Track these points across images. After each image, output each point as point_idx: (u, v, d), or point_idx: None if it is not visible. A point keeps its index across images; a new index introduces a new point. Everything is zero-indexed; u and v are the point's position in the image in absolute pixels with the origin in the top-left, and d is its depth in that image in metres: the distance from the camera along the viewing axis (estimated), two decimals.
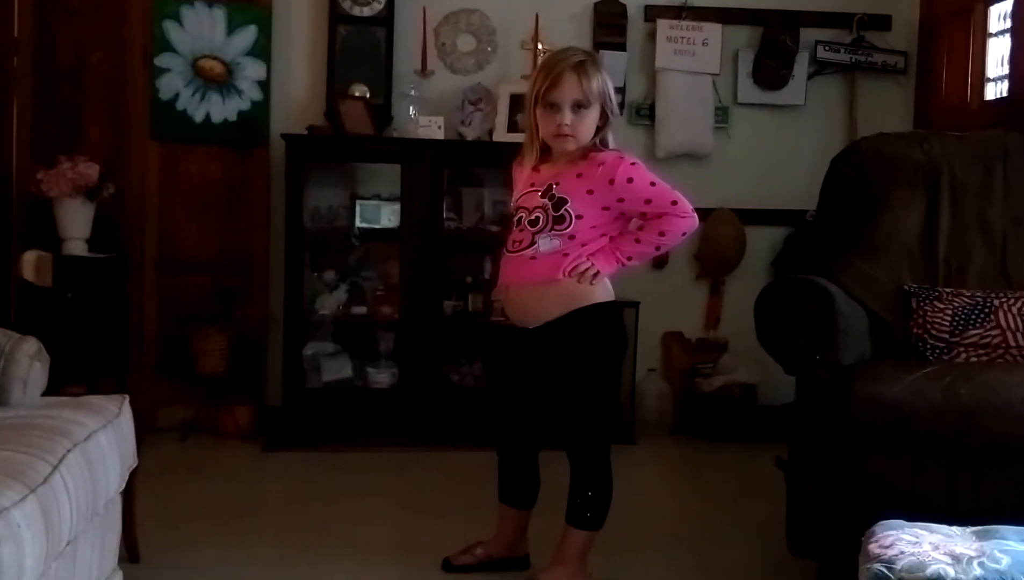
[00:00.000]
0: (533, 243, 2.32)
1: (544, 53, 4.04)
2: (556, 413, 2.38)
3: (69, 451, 1.75)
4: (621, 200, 2.29)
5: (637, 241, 2.34)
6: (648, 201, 2.30)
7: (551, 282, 2.29)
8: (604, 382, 2.40)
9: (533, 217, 2.32)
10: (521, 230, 2.34)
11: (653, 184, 2.30)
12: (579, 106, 2.27)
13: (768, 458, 2.96)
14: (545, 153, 2.39)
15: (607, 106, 2.32)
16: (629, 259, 2.33)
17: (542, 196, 2.32)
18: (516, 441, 2.52)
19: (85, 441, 1.84)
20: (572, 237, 2.29)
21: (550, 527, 2.43)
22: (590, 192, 2.29)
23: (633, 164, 2.30)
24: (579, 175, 2.31)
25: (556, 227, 2.29)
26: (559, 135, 2.29)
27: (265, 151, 4.06)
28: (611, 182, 2.28)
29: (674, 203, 2.31)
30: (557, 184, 2.31)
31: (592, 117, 2.30)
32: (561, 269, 2.29)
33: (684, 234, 2.34)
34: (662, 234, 2.32)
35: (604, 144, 2.35)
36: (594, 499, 2.34)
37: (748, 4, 4.30)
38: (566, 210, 2.28)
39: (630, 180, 2.28)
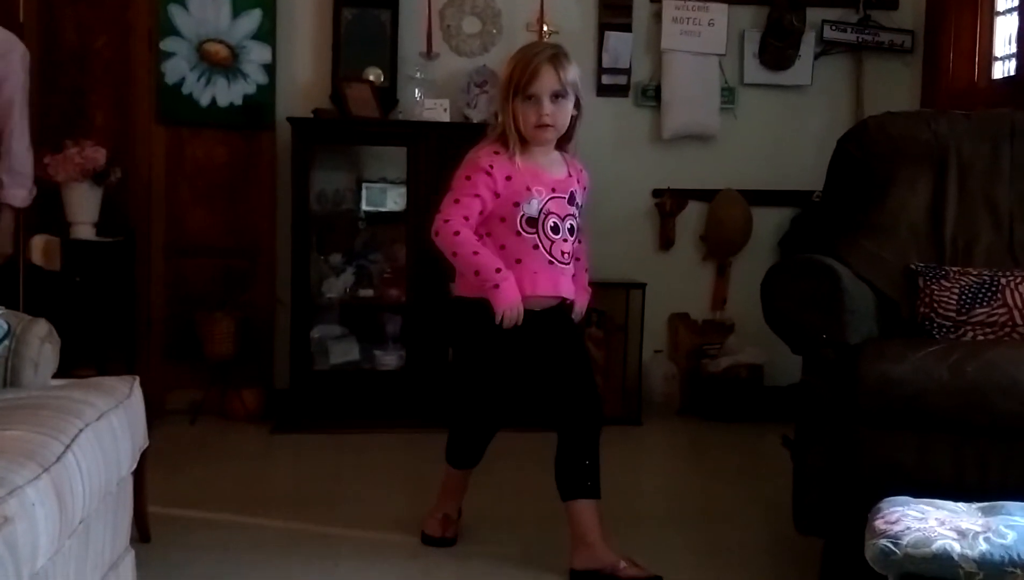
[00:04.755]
0: (573, 256, 2.43)
1: (549, 35, 4.03)
2: (566, 387, 2.40)
3: (81, 431, 1.76)
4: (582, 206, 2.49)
5: (587, 270, 2.58)
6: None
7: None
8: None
9: (570, 226, 2.40)
10: (566, 240, 2.39)
11: None
12: (557, 96, 2.33)
13: (775, 438, 2.98)
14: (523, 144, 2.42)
15: (580, 97, 2.40)
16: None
17: (569, 203, 2.41)
18: (497, 418, 2.59)
19: (97, 421, 1.85)
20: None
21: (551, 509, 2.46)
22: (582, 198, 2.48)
23: None
24: (579, 181, 2.46)
25: (578, 235, 2.45)
26: (540, 125, 2.33)
27: (271, 135, 4.06)
28: (585, 189, 2.50)
29: None
30: (574, 192, 2.43)
31: (569, 107, 2.37)
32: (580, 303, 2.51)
33: None
34: (587, 256, 2.60)
35: (570, 138, 2.45)
36: (592, 467, 2.38)
37: None
38: (579, 218, 2.44)
39: (587, 189, 2.51)
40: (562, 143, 2.44)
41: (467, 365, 2.66)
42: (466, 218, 2.34)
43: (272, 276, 4.09)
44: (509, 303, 2.30)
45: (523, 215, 2.35)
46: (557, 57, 2.35)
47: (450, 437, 2.64)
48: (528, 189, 2.34)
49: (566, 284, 2.42)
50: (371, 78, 3.94)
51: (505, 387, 2.56)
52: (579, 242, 2.47)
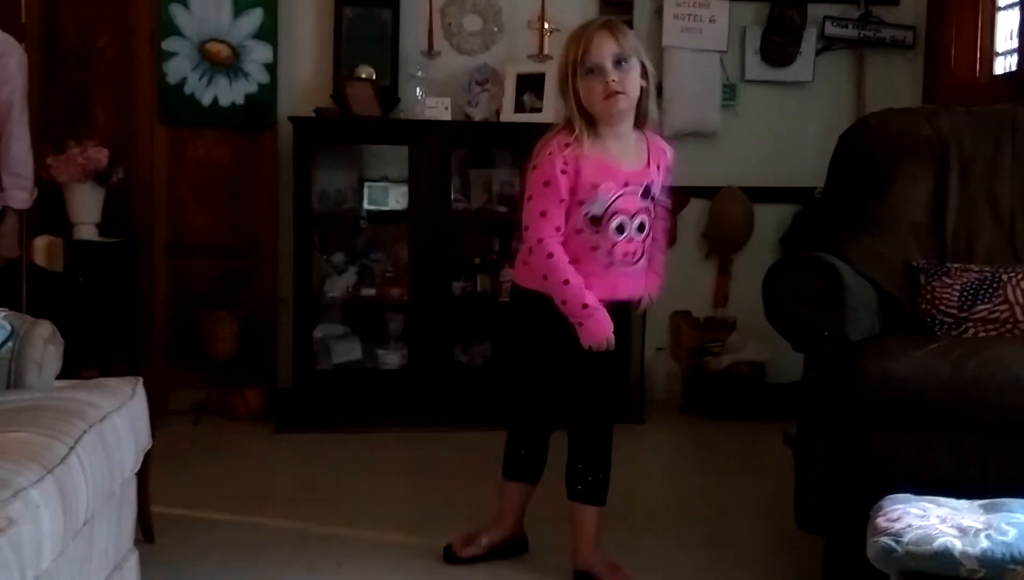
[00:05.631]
0: (644, 253, 2.30)
1: (550, 32, 4.03)
2: (586, 392, 2.34)
3: (85, 432, 1.76)
4: (662, 188, 2.35)
5: (662, 252, 2.44)
6: (668, 191, 2.38)
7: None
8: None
9: (639, 223, 2.26)
10: (631, 240, 2.25)
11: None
12: (620, 61, 2.19)
13: (777, 436, 2.98)
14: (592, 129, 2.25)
15: (648, 67, 2.27)
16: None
17: (643, 197, 2.26)
18: (543, 418, 2.46)
19: (100, 422, 1.85)
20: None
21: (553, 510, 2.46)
22: (662, 182, 2.35)
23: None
24: (658, 167, 2.31)
25: (653, 228, 2.32)
26: (609, 95, 2.17)
27: (273, 134, 4.07)
28: (668, 170, 2.35)
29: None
30: (652, 183, 2.28)
31: (636, 73, 2.22)
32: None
33: None
34: (667, 233, 2.44)
35: (645, 113, 2.29)
36: (595, 473, 2.35)
37: None
38: (657, 208, 2.34)
39: (670, 169, 2.36)
40: (639, 121, 2.28)
41: (514, 357, 2.50)
42: (557, 229, 2.23)
43: (274, 275, 4.09)
44: (594, 341, 2.21)
45: (587, 213, 2.22)
46: (611, 23, 2.24)
47: (506, 443, 2.51)
48: (595, 187, 2.20)
49: (626, 286, 2.29)
50: (363, 76, 3.93)
51: (552, 383, 2.41)
52: (651, 237, 2.33)
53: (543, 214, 2.22)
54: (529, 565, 2.46)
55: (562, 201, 2.22)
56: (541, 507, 2.60)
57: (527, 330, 2.39)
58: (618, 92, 2.18)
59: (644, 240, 2.28)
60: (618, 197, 2.22)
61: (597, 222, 2.23)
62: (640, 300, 2.39)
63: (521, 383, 2.49)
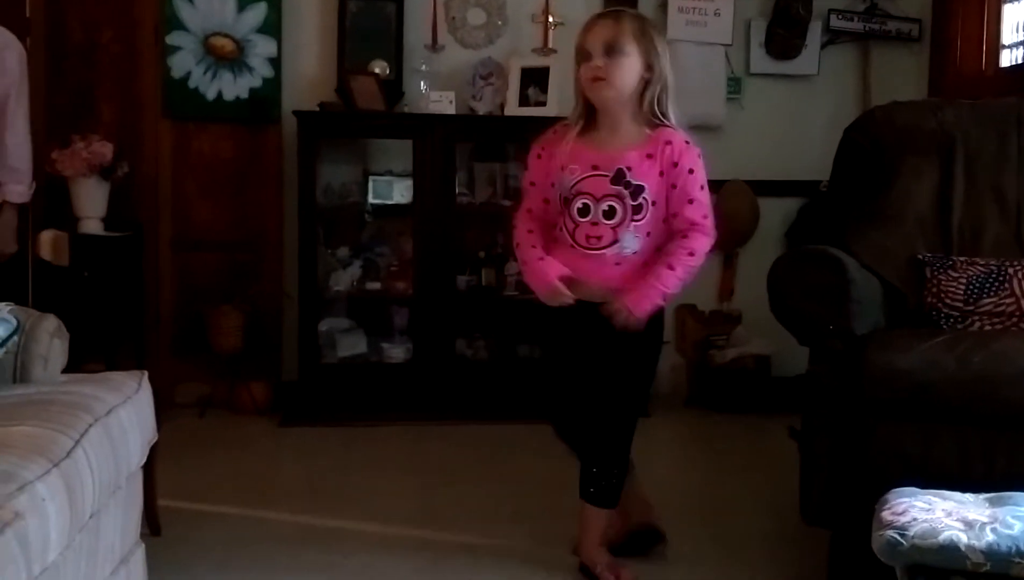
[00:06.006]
0: (615, 241, 2.21)
1: (554, 26, 4.02)
2: (608, 388, 2.30)
3: (91, 426, 1.76)
4: (673, 186, 2.21)
5: (671, 268, 2.22)
6: (690, 202, 2.21)
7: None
8: (655, 362, 2.40)
9: (607, 208, 2.19)
10: (595, 224, 2.20)
11: (702, 187, 2.24)
12: (612, 50, 2.16)
13: (782, 429, 2.98)
14: (591, 119, 2.25)
15: (655, 61, 2.19)
16: (667, 292, 2.23)
17: (613, 182, 2.18)
18: (574, 414, 2.39)
19: (106, 416, 1.86)
20: (648, 233, 2.23)
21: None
22: (661, 173, 2.20)
23: (700, 156, 2.23)
24: (649, 156, 2.19)
25: (635, 218, 2.20)
26: (594, 79, 2.17)
27: (277, 128, 4.07)
28: (675, 165, 2.19)
29: (705, 217, 2.24)
30: (629, 169, 2.18)
31: (630, 66, 2.17)
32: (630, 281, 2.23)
33: (704, 255, 2.27)
34: (691, 254, 2.23)
35: (664, 114, 2.23)
36: (601, 478, 2.34)
37: None
38: (643, 198, 2.19)
39: (691, 171, 2.21)
40: (646, 115, 2.22)
41: (550, 353, 2.52)
42: (529, 210, 2.33)
43: (279, 269, 4.10)
44: (540, 294, 2.26)
45: (559, 194, 2.25)
46: (616, 13, 2.23)
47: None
48: (562, 169, 2.22)
49: (591, 270, 2.22)
50: (376, 71, 3.94)
51: (571, 378, 2.37)
52: (644, 231, 2.22)
53: (524, 194, 2.39)
54: (535, 556, 2.46)
55: (532, 184, 2.34)
56: (552, 500, 2.61)
57: (558, 325, 2.34)
58: (599, 78, 2.18)
59: (615, 227, 2.20)
60: (583, 179, 2.21)
61: (566, 204, 2.25)
62: (620, 309, 2.21)
63: (557, 379, 2.44)
